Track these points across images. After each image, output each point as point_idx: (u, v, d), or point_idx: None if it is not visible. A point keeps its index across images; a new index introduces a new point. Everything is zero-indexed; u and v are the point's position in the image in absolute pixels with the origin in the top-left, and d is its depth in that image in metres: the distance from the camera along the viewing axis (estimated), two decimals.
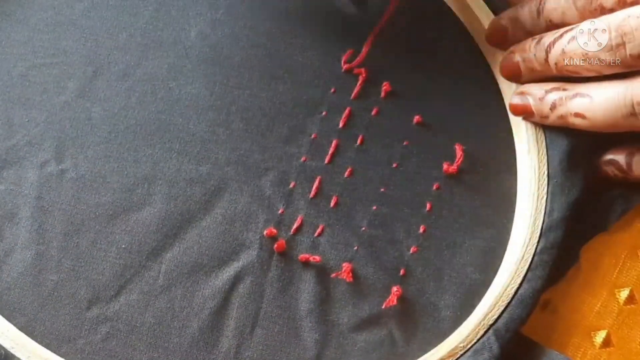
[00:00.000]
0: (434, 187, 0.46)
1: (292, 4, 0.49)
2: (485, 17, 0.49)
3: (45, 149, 0.44)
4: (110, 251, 0.43)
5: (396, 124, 0.48)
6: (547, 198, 0.45)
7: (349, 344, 0.43)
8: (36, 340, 0.40)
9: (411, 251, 0.45)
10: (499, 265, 0.45)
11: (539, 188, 0.45)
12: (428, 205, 0.46)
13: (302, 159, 0.46)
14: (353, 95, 0.48)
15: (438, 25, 0.50)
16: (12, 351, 0.39)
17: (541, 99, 0.45)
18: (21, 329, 0.40)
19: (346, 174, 0.46)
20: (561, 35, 0.44)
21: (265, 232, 0.44)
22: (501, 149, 0.48)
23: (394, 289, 0.44)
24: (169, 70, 0.47)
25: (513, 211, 0.46)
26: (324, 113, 0.47)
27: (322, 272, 0.44)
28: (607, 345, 0.45)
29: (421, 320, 0.44)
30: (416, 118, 0.48)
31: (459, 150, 0.47)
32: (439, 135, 0.47)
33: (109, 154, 0.45)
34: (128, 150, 0.45)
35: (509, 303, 0.43)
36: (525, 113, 0.46)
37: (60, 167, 0.44)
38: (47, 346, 0.40)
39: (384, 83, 0.48)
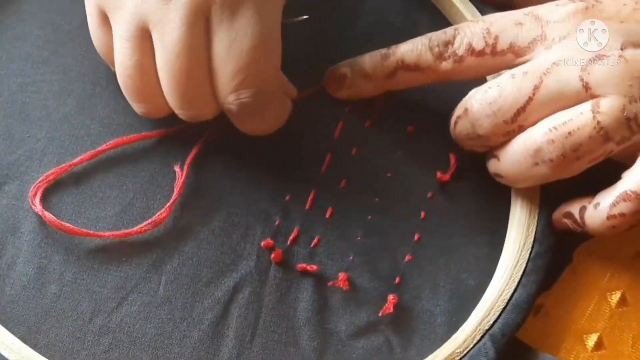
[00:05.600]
0: (428, 196, 0.47)
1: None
2: None
3: (46, 164, 0.45)
4: (111, 264, 0.43)
5: (390, 134, 0.48)
6: (540, 204, 0.46)
7: (347, 351, 0.43)
8: (40, 353, 0.40)
9: (406, 259, 0.46)
10: (494, 271, 0.46)
11: (532, 194, 0.46)
12: (422, 214, 0.47)
13: (297, 170, 0.47)
14: (347, 107, 0.48)
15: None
16: None
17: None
18: (24, 341, 0.40)
19: (341, 184, 0.47)
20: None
21: (262, 243, 0.45)
22: None
23: (390, 297, 0.44)
24: None
25: (506, 217, 0.47)
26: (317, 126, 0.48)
27: (319, 281, 0.44)
28: (599, 348, 0.46)
29: (418, 326, 0.44)
30: (409, 129, 0.48)
31: (452, 159, 0.48)
32: (432, 144, 0.48)
33: (109, 169, 0.45)
34: (127, 165, 0.46)
35: (504, 308, 0.44)
36: None
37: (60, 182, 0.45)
38: (51, 358, 0.40)
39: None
